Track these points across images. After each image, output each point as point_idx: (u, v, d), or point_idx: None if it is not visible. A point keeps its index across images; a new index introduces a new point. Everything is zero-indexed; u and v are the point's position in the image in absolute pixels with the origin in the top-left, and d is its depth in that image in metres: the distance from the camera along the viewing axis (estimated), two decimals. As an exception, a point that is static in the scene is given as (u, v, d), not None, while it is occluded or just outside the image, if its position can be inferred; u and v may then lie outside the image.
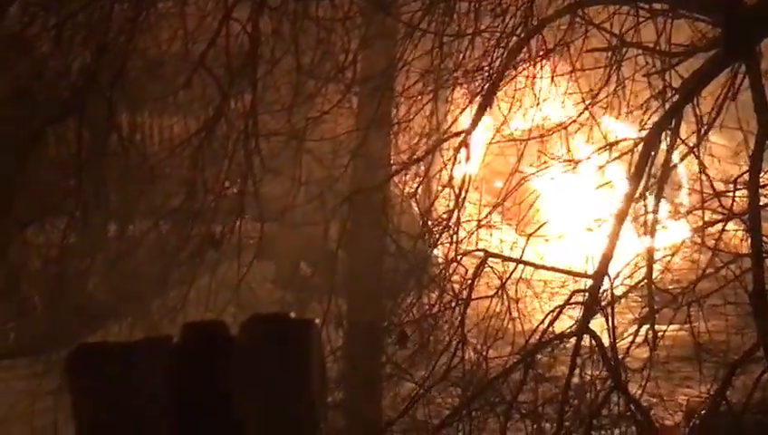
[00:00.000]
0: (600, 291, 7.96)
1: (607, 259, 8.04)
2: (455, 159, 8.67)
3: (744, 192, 8.24)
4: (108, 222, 8.32)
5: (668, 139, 8.67)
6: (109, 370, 1.64)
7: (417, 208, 9.06)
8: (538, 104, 9.04)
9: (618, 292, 8.30)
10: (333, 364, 8.91)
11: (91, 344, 1.68)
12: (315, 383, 1.65)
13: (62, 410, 7.19)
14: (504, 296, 8.23)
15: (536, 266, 8.46)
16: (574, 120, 8.98)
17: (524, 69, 8.86)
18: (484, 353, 8.09)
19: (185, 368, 1.64)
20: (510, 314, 8.25)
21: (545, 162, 8.92)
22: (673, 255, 9.26)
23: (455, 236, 8.60)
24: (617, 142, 9.03)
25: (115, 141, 7.95)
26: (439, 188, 8.97)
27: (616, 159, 9.04)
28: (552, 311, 8.03)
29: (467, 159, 8.69)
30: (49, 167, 7.85)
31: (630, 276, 8.87)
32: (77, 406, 1.65)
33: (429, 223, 8.85)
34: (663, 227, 9.40)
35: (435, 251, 8.87)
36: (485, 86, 8.75)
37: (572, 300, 8.02)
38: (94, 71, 7.75)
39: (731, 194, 8.46)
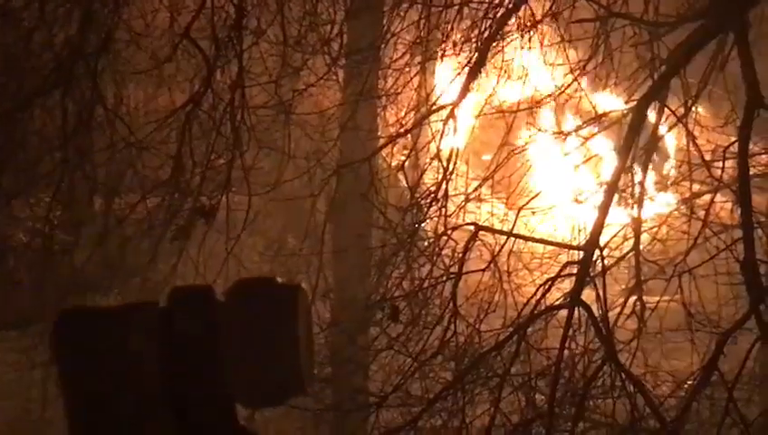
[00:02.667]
0: (591, 262, 7.93)
1: (597, 231, 8.03)
2: (443, 131, 8.62)
3: (733, 162, 8.23)
4: (94, 195, 8.23)
5: (656, 109, 8.66)
6: (94, 333, 1.59)
7: (405, 181, 9.00)
8: (526, 76, 8.98)
9: (608, 263, 8.29)
10: (321, 339, 8.86)
11: (76, 308, 1.63)
12: (302, 346, 1.60)
13: (51, 382, 7.13)
14: (496, 270, 8.19)
15: (527, 239, 8.43)
16: (562, 92, 8.93)
17: (512, 40, 8.80)
18: (477, 327, 8.04)
19: (172, 331, 1.59)
20: (501, 287, 8.22)
21: (534, 135, 8.88)
22: (660, 226, 9.26)
23: (444, 210, 8.55)
24: (605, 114, 9.01)
25: (101, 114, 7.86)
26: (427, 160, 8.92)
27: (604, 130, 9.02)
28: (544, 283, 8.00)
29: (455, 131, 8.64)
30: (35, 139, 7.74)
31: (618, 248, 8.87)
32: (63, 370, 1.60)
33: (418, 196, 8.79)
34: (650, 199, 9.41)
35: (423, 225, 8.82)
36: (473, 58, 8.68)
37: (563, 272, 8.00)
38: (79, 42, 7.65)
39: (720, 164, 8.43)
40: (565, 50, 8.85)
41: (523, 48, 8.80)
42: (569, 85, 8.89)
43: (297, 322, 1.62)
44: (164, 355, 1.59)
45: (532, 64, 9.00)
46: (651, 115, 8.82)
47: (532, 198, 8.71)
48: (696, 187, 9.17)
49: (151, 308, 1.61)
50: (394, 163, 9.02)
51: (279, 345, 1.61)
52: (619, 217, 8.93)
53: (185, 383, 1.61)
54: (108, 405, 1.60)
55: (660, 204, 9.91)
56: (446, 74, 9.28)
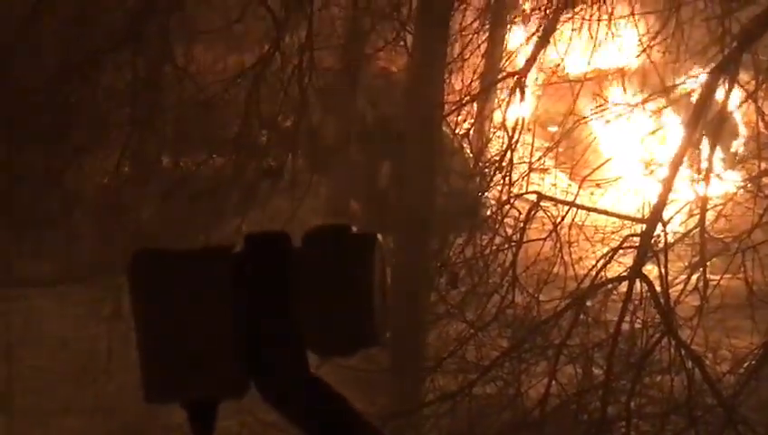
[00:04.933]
0: (653, 236, 7.89)
1: (661, 205, 7.97)
2: (509, 99, 8.59)
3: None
4: (161, 152, 8.31)
5: (726, 85, 8.54)
6: (170, 273, 1.62)
7: (469, 149, 8.98)
8: (595, 46, 8.91)
9: (670, 239, 8.23)
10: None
11: (153, 249, 1.65)
12: (377, 296, 1.61)
13: (116, 334, 7.26)
14: (557, 240, 8.17)
15: (589, 210, 8.40)
16: (632, 63, 8.86)
17: (582, 10, 8.73)
18: (536, 296, 8.04)
19: (246, 274, 1.61)
20: (562, 257, 8.19)
21: (601, 105, 8.81)
22: (725, 203, 9.16)
23: (507, 179, 8.53)
24: (674, 87, 8.93)
25: (170, 72, 7.92)
26: (492, 129, 8.89)
27: (672, 104, 8.94)
28: (605, 255, 7.97)
29: (522, 100, 8.61)
30: (105, 95, 7.82)
31: (683, 224, 8.79)
32: (138, 308, 1.63)
33: (482, 164, 8.78)
34: (717, 176, 9.31)
35: (486, 193, 8.80)
36: (542, 26, 8.63)
37: (625, 245, 7.96)
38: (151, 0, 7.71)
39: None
40: (635, 22, 8.76)
41: (592, 19, 8.73)
42: (637, 57, 8.82)
43: (373, 271, 1.63)
44: (238, 298, 1.62)
45: (601, 36, 8.92)
46: (721, 91, 8.71)
47: (596, 169, 8.67)
48: (764, 165, 9.05)
49: (227, 251, 1.63)
50: (459, 130, 8.98)
51: (353, 294, 1.61)
52: (686, 193, 8.85)
53: (258, 327, 1.64)
54: (182, 345, 1.64)
55: (727, 182, 9.81)
56: (515, 43, 9.25)
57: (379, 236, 1.66)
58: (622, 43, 9.03)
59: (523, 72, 8.61)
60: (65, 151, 7.82)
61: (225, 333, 1.63)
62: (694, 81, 8.87)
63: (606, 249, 8.23)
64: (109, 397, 8.17)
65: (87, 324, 8.08)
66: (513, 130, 8.60)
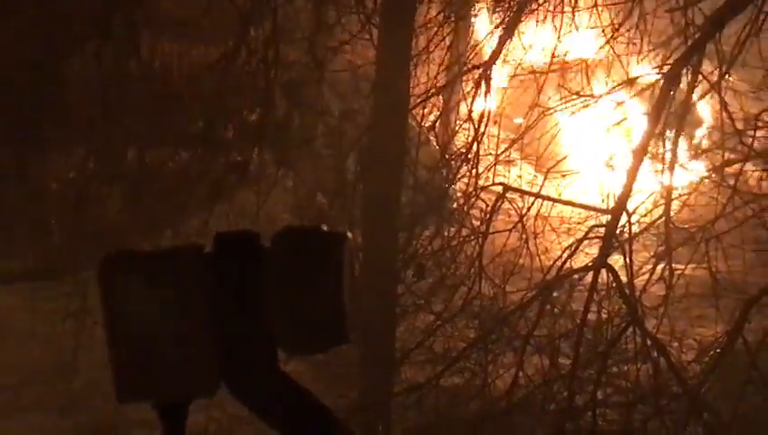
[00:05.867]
0: (618, 227, 7.94)
1: (625, 195, 8.02)
2: (475, 91, 8.61)
3: (766, 131, 8.21)
4: (127, 148, 8.29)
5: (689, 76, 8.60)
6: (141, 275, 1.64)
7: (435, 141, 9.02)
8: (559, 38, 8.95)
9: (635, 229, 8.29)
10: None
11: (124, 250, 1.67)
12: (346, 294, 1.64)
13: (83, 331, 7.25)
14: (523, 231, 8.22)
15: (555, 201, 8.45)
16: (595, 55, 8.91)
17: (547, 1, 8.77)
18: (502, 287, 8.09)
19: (217, 275, 1.63)
20: (528, 248, 8.24)
21: (565, 97, 8.85)
22: (690, 193, 9.23)
23: (474, 171, 8.56)
24: (637, 78, 8.97)
25: (135, 66, 7.91)
26: (459, 121, 8.92)
27: (636, 95, 8.99)
28: (570, 246, 8.03)
29: (487, 92, 8.63)
30: (71, 90, 7.80)
31: (647, 214, 8.86)
32: (109, 312, 1.64)
33: (448, 156, 8.81)
34: (681, 166, 9.38)
35: (453, 185, 8.84)
36: (507, 18, 8.66)
37: (590, 235, 8.02)
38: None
39: (751, 133, 8.41)
40: (599, 13, 8.81)
41: (556, 10, 8.77)
42: (601, 48, 8.87)
43: (342, 269, 1.65)
44: (208, 297, 1.64)
45: (565, 27, 8.96)
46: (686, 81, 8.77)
47: (560, 160, 8.71)
48: (727, 154, 9.13)
49: (197, 250, 1.65)
50: (425, 123, 9.01)
51: (323, 292, 1.64)
52: (651, 184, 8.92)
53: (228, 326, 1.66)
54: (153, 344, 1.65)
55: (691, 172, 9.89)
56: (480, 35, 9.28)
57: (349, 235, 1.68)
58: (586, 34, 9.08)
59: (488, 65, 8.64)
60: (31, 147, 7.80)
61: (196, 331, 1.64)
62: (657, 71, 8.91)
63: (571, 240, 8.29)
64: (78, 393, 8.16)
65: (55, 321, 8.06)
66: (479, 122, 8.64)
